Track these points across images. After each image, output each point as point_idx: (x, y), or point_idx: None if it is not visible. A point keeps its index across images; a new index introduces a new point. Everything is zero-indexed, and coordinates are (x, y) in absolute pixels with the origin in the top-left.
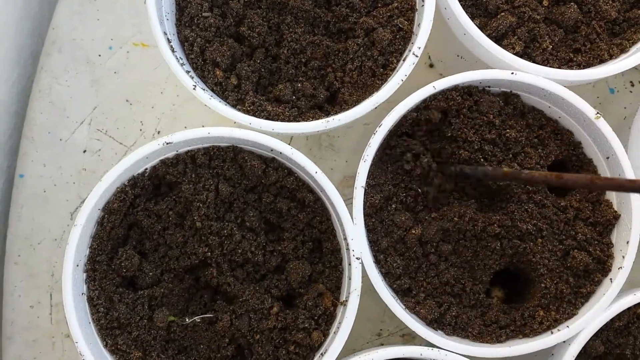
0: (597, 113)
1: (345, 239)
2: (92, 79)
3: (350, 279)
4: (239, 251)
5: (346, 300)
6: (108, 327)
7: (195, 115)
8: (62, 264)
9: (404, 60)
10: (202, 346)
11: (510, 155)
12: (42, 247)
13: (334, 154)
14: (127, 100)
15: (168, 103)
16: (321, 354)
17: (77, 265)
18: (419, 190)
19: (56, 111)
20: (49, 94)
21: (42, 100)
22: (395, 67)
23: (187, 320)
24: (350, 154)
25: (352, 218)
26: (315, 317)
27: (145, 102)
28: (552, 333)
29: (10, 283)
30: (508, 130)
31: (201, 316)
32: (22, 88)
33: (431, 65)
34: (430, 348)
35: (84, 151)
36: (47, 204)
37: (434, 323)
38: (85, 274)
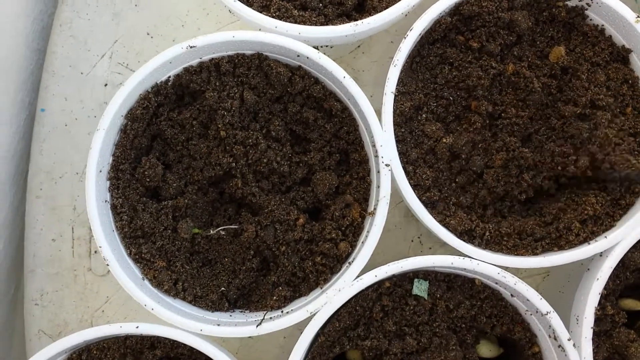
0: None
1: (374, 145)
2: (113, 12)
3: (379, 187)
4: (264, 161)
5: (374, 210)
6: (132, 235)
7: None
8: (83, 197)
9: None
10: (226, 259)
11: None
12: (64, 180)
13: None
14: (148, 34)
15: (189, 36)
16: (349, 262)
17: (100, 172)
18: (450, 98)
19: (77, 45)
20: (69, 28)
21: (63, 34)
22: None
23: (211, 231)
24: (375, 87)
25: (381, 124)
26: (343, 228)
27: (166, 35)
28: (588, 244)
29: (32, 216)
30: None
31: (226, 227)
32: (44, 25)
33: None
34: (462, 257)
35: (105, 85)
36: (68, 138)
37: (464, 235)
38: (108, 182)
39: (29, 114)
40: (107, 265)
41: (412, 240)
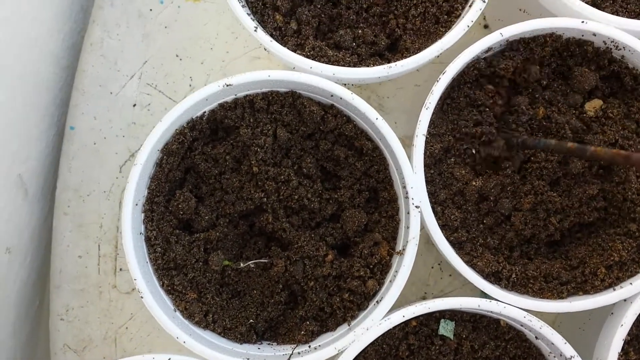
0: None
1: (404, 187)
2: (143, 33)
3: (408, 227)
4: (295, 197)
5: (403, 250)
6: (165, 267)
7: (245, 72)
8: (110, 215)
9: (470, 6)
10: (255, 291)
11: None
12: (91, 198)
13: (383, 115)
14: (177, 55)
15: (218, 59)
16: (377, 301)
17: (136, 205)
18: (473, 150)
19: (107, 64)
20: (100, 47)
21: (93, 53)
22: (460, 14)
23: (241, 264)
24: (400, 114)
25: (412, 166)
26: (371, 266)
27: (195, 57)
28: (614, 290)
29: (60, 233)
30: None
31: (256, 260)
32: (73, 42)
33: (486, 27)
34: (489, 300)
35: (134, 105)
36: (96, 157)
37: (491, 276)
38: (143, 214)
39: (57, 130)
40: (142, 297)
41: (432, 267)
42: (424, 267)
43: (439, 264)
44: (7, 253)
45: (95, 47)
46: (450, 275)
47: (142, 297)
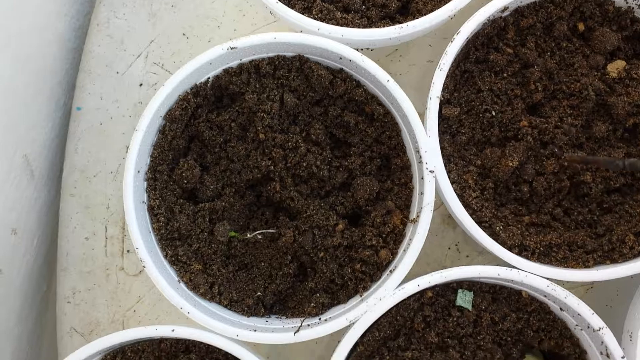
0: None
1: (417, 151)
2: (150, 12)
3: (422, 194)
4: (304, 165)
5: (417, 217)
6: (168, 237)
7: None
8: (117, 197)
9: None
10: (263, 263)
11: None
12: (98, 179)
13: None
14: (183, 34)
15: (225, 38)
16: (390, 271)
17: (138, 172)
18: (492, 112)
19: (113, 44)
20: (106, 27)
21: (100, 33)
22: None
23: (248, 235)
24: (413, 91)
25: (425, 130)
26: (384, 235)
27: (202, 36)
28: None
29: (66, 215)
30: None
31: (263, 231)
32: (80, 24)
33: None
34: (509, 268)
35: (140, 84)
36: (103, 137)
37: (511, 246)
38: (145, 183)
39: (64, 112)
40: (144, 266)
41: (449, 248)
42: (439, 249)
43: (455, 245)
44: (13, 234)
45: (102, 27)
46: (467, 256)
47: (144, 267)
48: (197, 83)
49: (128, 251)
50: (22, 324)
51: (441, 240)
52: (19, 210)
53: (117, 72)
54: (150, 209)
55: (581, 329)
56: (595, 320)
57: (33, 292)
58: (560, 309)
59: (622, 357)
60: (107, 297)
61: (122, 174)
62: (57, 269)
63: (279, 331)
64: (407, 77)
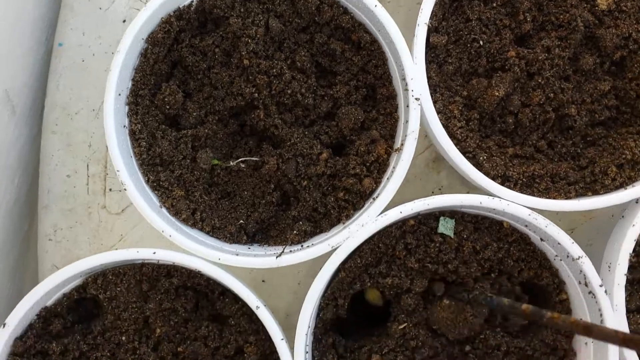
0: None
1: (403, 79)
2: None
3: (407, 122)
4: (289, 92)
5: (401, 146)
6: (150, 163)
7: None
8: (99, 134)
9: None
10: (245, 192)
11: None
12: (80, 117)
13: None
14: None
15: None
16: (373, 198)
17: (119, 95)
18: (480, 42)
19: None
20: None
21: None
22: None
23: (231, 163)
24: (400, 27)
25: (412, 57)
26: (367, 164)
27: None
28: (625, 189)
29: (48, 152)
30: None
31: (246, 158)
32: None
33: None
34: (491, 197)
35: (124, 21)
36: (85, 74)
37: (497, 179)
38: (127, 107)
39: (46, 49)
40: (125, 189)
41: (433, 192)
42: (423, 192)
43: (439, 189)
44: None
45: None
46: None
47: (125, 190)
48: (181, 6)
49: (110, 189)
50: (4, 261)
51: (425, 183)
52: (0, 147)
53: (100, 8)
54: (132, 133)
55: (560, 260)
56: (575, 249)
57: (14, 230)
58: (541, 239)
59: (601, 285)
60: (88, 235)
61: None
62: (38, 206)
63: (261, 256)
64: (396, 17)
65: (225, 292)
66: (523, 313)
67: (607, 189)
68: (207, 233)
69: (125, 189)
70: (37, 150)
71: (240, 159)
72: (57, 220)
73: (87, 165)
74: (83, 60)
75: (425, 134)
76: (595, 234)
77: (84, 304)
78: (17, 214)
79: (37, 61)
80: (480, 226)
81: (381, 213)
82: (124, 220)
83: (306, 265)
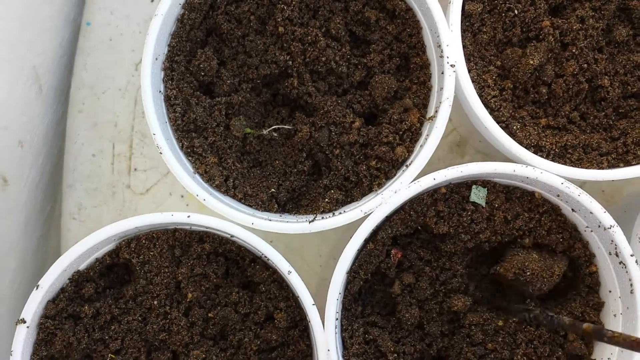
0: None
1: (439, 46)
2: None
3: (441, 89)
4: (322, 60)
5: (435, 113)
6: (185, 129)
7: None
8: (125, 114)
9: None
10: (277, 161)
11: None
12: (107, 96)
13: None
14: None
15: None
16: (406, 165)
17: (156, 59)
18: (515, 11)
19: None
20: None
21: None
22: None
23: (264, 131)
24: None
25: (448, 24)
26: (400, 132)
27: None
28: None
29: (74, 131)
30: None
31: (279, 126)
32: None
33: None
34: (524, 165)
35: (152, 0)
36: (112, 53)
37: (530, 148)
38: (163, 72)
39: (74, 28)
40: (161, 153)
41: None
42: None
43: None
44: (20, 147)
45: None
46: None
47: (160, 153)
48: None
49: (135, 169)
50: (27, 238)
51: (451, 162)
52: (26, 123)
53: None
54: (167, 98)
55: (591, 231)
56: (607, 218)
57: (38, 209)
58: (572, 209)
59: (632, 255)
60: (113, 214)
61: (131, 91)
62: (63, 185)
63: (292, 223)
64: None
65: (256, 260)
66: (584, 332)
67: (639, 160)
68: (239, 200)
69: (160, 153)
70: (63, 130)
71: (273, 127)
72: (81, 200)
73: (113, 145)
74: (111, 40)
75: (450, 118)
76: (622, 211)
77: (115, 270)
78: (42, 192)
79: (64, 40)
80: (512, 196)
81: (413, 181)
82: (148, 200)
83: (336, 236)
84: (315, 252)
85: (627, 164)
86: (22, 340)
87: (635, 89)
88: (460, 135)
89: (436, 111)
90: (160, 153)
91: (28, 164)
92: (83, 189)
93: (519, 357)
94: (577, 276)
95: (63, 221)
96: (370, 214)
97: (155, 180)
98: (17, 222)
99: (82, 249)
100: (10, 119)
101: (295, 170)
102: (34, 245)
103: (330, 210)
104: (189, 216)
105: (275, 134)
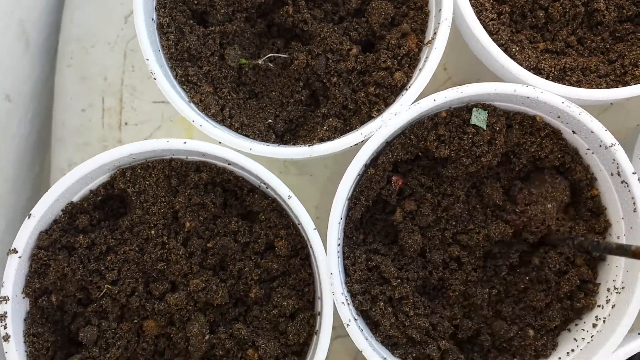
0: None
1: None
2: None
3: (439, 11)
4: None
5: (434, 37)
6: (178, 58)
7: None
8: (115, 68)
9: None
10: (274, 92)
11: None
12: (96, 50)
13: None
14: None
15: None
16: (405, 89)
17: None
18: None
19: None
20: None
21: None
22: None
23: (260, 61)
24: None
25: None
26: (398, 58)
27: None
28: None
29: (62, 86)
30: None
31: (275, 54)
32: None
33: None
34: (525, 85)
35: None
36: (101, 6)
37: (529, 71)
38: (154, 1)
39: None
40: (155, 79)
41: None
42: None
43: None
44: (7, 101)
45: None
46: None
47: (155, 79)
48: None
49: (126, 123)
50: (17, 194)
51: None
52: (13, 78)
53: None
54: (160, 26)
55: (592, 153)
56: (608, 137)
57: (27, 166)
58: (573, 131)
59: (634, 173)
60: None
61: (120, 45)
62: (52, 140)
63: (292, 147)
64: None
65: (254, 190)
66: (633, 254)
67: (637, 80)
68: (236, 130)
69: (154, 79)
70: (52, 85)
71: (268, 55)
72: (71, 154)
73: (103, 99)
74: None
75: (444, 67)
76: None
77: (109, 204)
78: (31, 149)
79: None
80: (512, 122)
81: (413, 103)
82: None
83: (333, 166)
84: (314, 180)
85: (626, 84)
86: (14, 270)
87: (630, 13)
88: (455, 84)
89: (434, 34)
90: (154, 79)
91: (16, 120)
92: (73, 144)
93: (525, 284)
94: (579, 201)
95: (52, 176)
96: (370, 137)
97: (147, 134)
98: (7, 178)
99: (75, 176)
100: None
101: (292, 100)
102: (24, 204)
103: (329, 139)
104: (185, 142)
105: (271, 64)
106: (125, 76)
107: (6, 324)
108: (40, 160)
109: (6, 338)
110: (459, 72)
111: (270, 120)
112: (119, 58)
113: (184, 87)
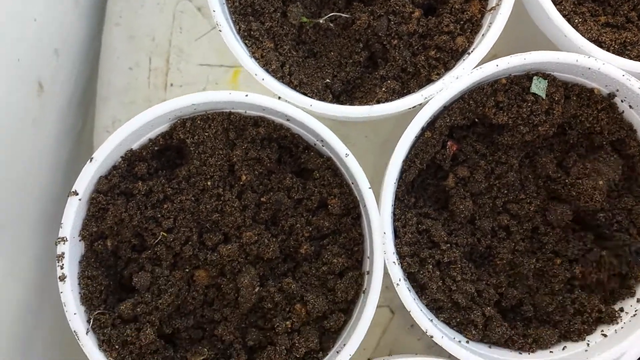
0: None
1: None
2: None
3: None
4: None
5: (498, 3)
6: (242, 12)
7: None
8: (163, 28)
9: None
10: (332, 53)
11: None
12: (144, 10)
13: None
14: None
15: None
16: (467, 53)
17: None
18: None
19: None
20: None
21: None
22: None
23: (321, 20)
24: None
25: None
26: (461, 23)
27: None
28: None
29: (109, 44)
30: None
31: (337, 14)
32: None
33: None
34: (587, 56)
35: None
36: None
37: (591, 42)
38: None
39: None
40: (220, 30)
41: None
42: None
43: None
44: (55, 55)
45: None
46: None
47: (220, 31)
48: None
49: (172, 85)
50: (61, 147)
51: None
52: (62, 33)
53: None
54: None
55: None
56: None
57: (70, 123)
58: (630, 106)
59: None
60: None
61: (169, 5)
62: (97, 98)
63: (353, 107)
64: None
65: (310, 147)
66: None
67: None
68: (294, 88)
69: (220, 30)
70: (99, 43)
71: (330, 14)
72: (115, 112)
73: (150, 59)
74: None
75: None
76: None
77: (167, 154)
78: (75, 106)
79: None
80: (570, 93)
81: (476, 67)
82: None
83: (390, 126)
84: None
85: None
86: (74, 212)
87: None
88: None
89: (499, 1)
90: (220, 31)
91: (63, 75)
92: (118, 102)
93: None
94: (632, 175)
95: (95, 135)
96: (430, 99)
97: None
98: (50, 131)
99: (138, 123)
100: (45, 26)
101: (351, 61)
102: (65, 161)
103: (386, 101)
104: (246, 95)
105: (332, 24)
106: (173, 37)
107: (63, 264)
108: (83, 118)
109: (62, 278)
110: (505, 48)
111: (327, 80)
112: (167, 19)
113: (247, 41)
